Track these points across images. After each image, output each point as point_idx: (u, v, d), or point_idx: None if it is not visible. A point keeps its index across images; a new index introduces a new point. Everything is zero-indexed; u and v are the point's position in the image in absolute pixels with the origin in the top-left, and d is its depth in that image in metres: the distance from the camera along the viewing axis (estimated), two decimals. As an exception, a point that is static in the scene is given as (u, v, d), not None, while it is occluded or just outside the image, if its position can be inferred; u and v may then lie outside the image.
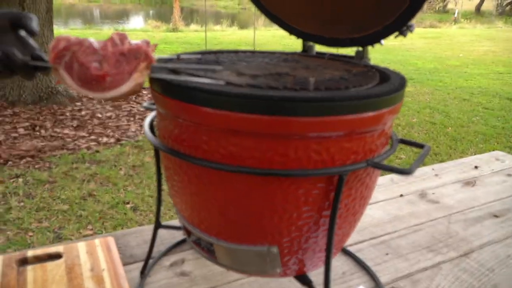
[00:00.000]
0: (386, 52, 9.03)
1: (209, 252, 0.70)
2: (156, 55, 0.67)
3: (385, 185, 1.34)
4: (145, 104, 0.80)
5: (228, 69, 0.67)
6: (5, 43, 0.62)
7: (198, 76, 0.61)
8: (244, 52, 0.86)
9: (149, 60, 0.56)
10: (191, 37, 11.40)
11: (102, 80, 0.55)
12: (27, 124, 3.76)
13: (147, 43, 0.67)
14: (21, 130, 3.60)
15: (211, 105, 0.53)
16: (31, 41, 0.64)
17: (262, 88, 0.55)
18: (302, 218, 0.60)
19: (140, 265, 0.90)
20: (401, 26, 0.73)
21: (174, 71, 0.64)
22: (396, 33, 0.74)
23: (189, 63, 0.71)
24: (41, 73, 0.62)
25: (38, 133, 3.60)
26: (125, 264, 0.92)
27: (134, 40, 0.67)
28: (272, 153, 0.55)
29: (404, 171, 0.56)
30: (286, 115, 0.51)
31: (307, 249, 0.65)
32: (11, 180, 2.82)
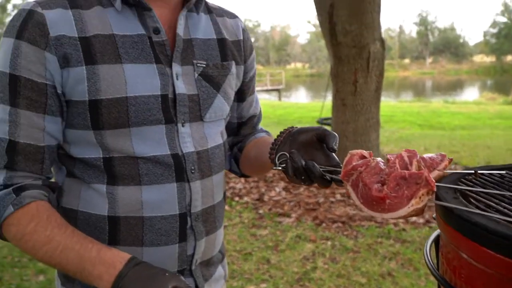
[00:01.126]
0: None
1: None
2: (449, 171, 0.64)
3: None
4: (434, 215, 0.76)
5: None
6: (310, 156, 0.73)
7: (490, 205, 0.54)
8: None
9: (430, 188, 0.54)
10: (534, 112, 10.03)
11: (382, 202, 0.57)
12: (343, 191, 4.13)
13: (442, 157, 0.66)
14: (338, 196, 3.99)
15: (490, 246, 0.46)
16: (332, 155, 0.74)
17: None
18: None
19: None
20: None
21: (463, 194, 0.59)
22: None
23: (486, 182, 0.64)
24: (335, 184, 0.70)
25: (351, 201, 3.90)
26: None
27: (428, 154, 0.66)
28: None
29: None
30: None
31: None
32: (321, 241, 3.14)
